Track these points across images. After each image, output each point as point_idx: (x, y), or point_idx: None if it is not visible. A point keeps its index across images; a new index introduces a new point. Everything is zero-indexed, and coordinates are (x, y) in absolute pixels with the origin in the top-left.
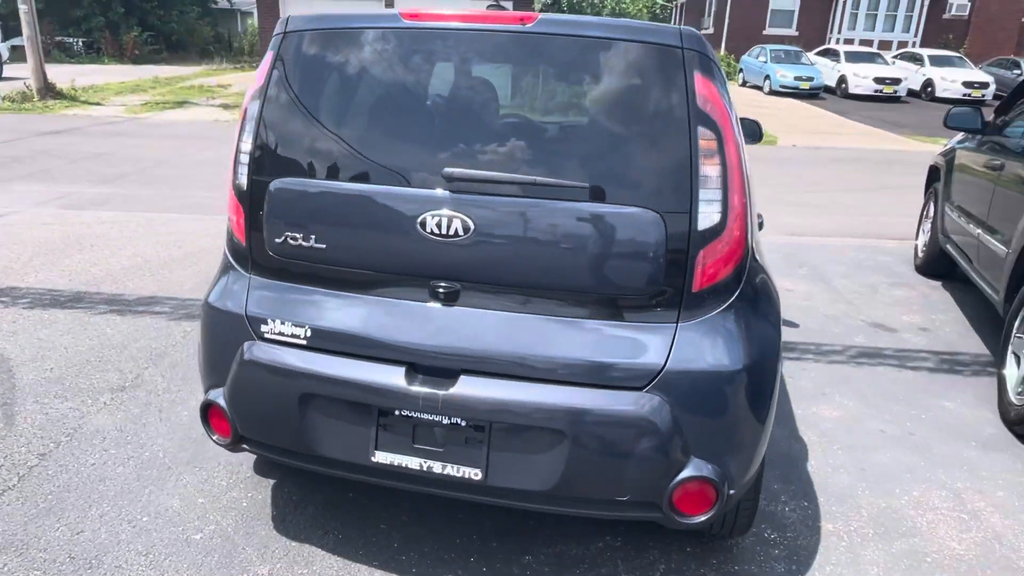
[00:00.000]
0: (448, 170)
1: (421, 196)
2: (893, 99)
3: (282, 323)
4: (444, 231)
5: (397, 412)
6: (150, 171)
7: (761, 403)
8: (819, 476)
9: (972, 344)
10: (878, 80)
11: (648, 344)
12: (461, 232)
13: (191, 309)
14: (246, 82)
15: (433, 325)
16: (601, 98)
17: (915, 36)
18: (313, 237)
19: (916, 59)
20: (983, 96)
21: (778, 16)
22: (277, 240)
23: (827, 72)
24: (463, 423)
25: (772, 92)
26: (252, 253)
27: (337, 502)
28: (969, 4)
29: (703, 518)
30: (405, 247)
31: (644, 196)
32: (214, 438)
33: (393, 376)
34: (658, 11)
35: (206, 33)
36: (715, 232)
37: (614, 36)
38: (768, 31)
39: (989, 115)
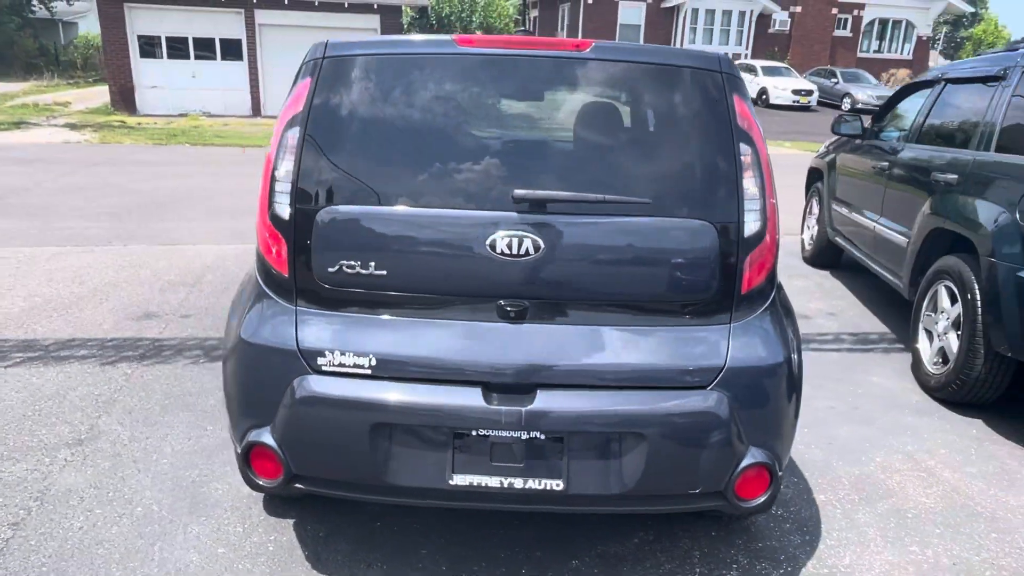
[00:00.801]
0: (519, 192)
1: (490, 218)
2: None
3: (342, 354)
4: (514, 251)
5: (474, 432)
6: (6, 200)
7: (796, 391)
8: (797, 454)
9: (873, 324)
10: None
11: (709, 345)
12: (531, 251)
13: (122, 350)
14: (87, 99)
15: (505, 343)
16: (654, 118)
17: (746, 48)
18: (372, 264)
19: (751, 69)
20: (809, 102)
21: (627, 30)
22: (330, 269)
23: None
24: (542, 436)
25: None
26: (297, 284)
27: (367, 534)
28: (789, 20)
29: (761, 501)
30: (474, 268)
31: (698, 208)
32: (261, 482)
33: (470, 397)
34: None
35: (29, 46)
36: (758, 238)
37: (662, 62)
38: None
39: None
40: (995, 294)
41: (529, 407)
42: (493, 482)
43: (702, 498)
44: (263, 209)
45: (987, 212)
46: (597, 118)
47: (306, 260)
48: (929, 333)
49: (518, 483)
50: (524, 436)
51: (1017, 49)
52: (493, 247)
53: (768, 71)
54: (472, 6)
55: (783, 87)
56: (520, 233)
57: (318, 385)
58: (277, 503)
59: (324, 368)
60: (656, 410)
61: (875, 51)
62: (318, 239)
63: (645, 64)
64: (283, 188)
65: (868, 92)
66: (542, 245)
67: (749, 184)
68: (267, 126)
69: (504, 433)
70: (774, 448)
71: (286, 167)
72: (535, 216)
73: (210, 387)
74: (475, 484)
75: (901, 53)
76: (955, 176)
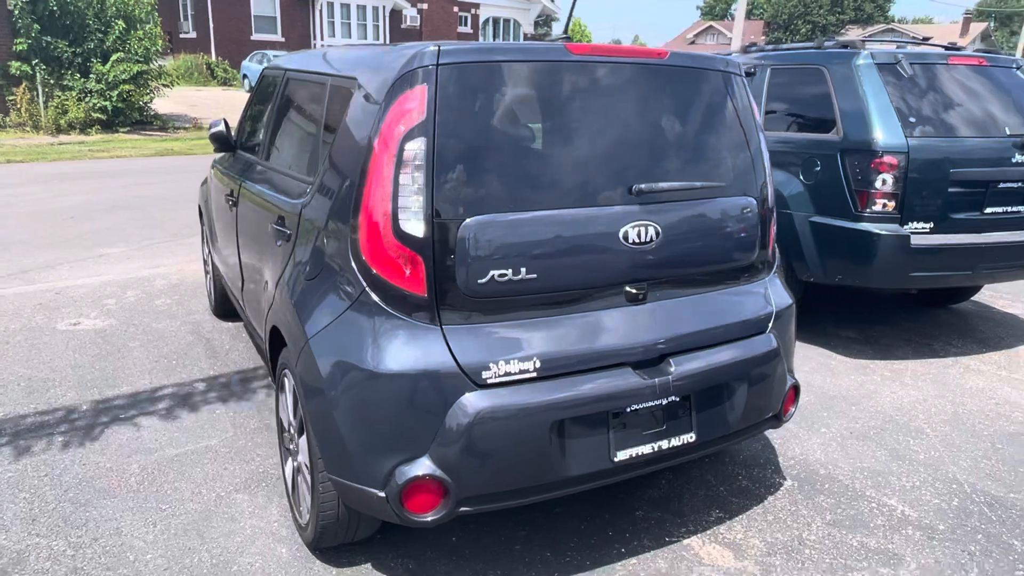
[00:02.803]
0: (641, 185)
1: (619, 212)
2: None
3: (507, 362)
4: (641, 239)
5: (628, 409)
6: None
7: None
8: None
9: None
10: None
11: (762, 297)
12: (654, 237)
13: None
14: None
15: (638, 323)
16: (713, 114)
17: (385, 43)
18: (524, 269)
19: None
20: None
21: (262, 22)
22: (480, 281)
23: None
24: (677, 399)
25: None
26: (439, 300)
27: (454, 550)
28: (419, 16)
29: (793, 413)
30: (609, 259)
31: (745, 187)
32: (422, 518)
33: (626, 377)
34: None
35: None
36: (773, 208)
37: (716, 68)
38: (255, 37)
39: None
40: (795, 238)
41: (672, 374)
42: (646, 449)
43: (767, 422)
44: (379, 229)
45: (776, 177)
46: (678, 115)
47: (450, 275)
48: None
49: (664, 444)
50: (664, 402)
51: (749, 51)
52: (625, 238)
53: None
54: None
55: None
56: (646, 222)
57: (491, 399)
58: (332, 553)
59: (490, 381)
60: (749, 355)
61: None
62: (464, 252)
63: (706, 69)
64: (412, 203)
65: None
66: (661, 231)
67: (765, 165)
68: None
69: (649, 403)
70: (794, 371)
71: (411, 180)
72: (653, 206)
73: (111, 465)
74: (634, 456)
75: None
76: None
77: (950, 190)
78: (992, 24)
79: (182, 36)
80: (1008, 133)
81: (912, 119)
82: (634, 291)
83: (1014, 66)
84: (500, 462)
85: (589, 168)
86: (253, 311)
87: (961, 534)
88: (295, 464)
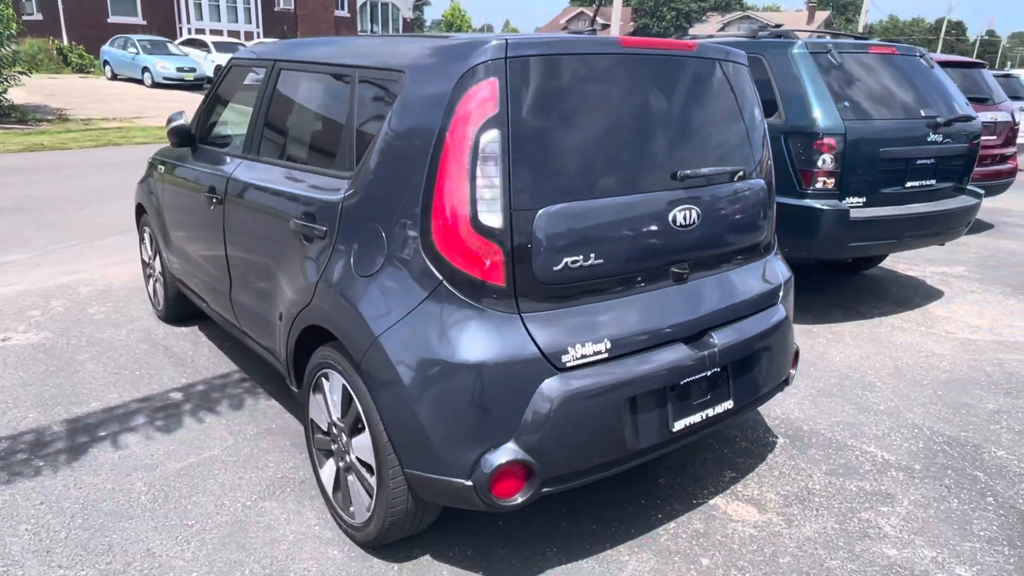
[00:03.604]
0: (686, 171)
1: (668, 196)
2: None
3: (582, 345)
4: (687, 222)
5: (682, 382)
6: None
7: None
8: None
9: None
10: None
11: (773, 271)
12: (695, 220)
13: None
14: None
15: (685, 300)
16: (732, 101)
17: (257, 27)
18: (593, 255)
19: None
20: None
21: (120, 4)
22: (555, 268)
23: (203, 62)
24: (718, 369)
25: (156, 84)
26: (517, 289)
27: (505, 534)
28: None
29: (794, 375)
30: (661, 242)
31: (757, 171)
32: (508, 502)
33: (682, 352)
34: None
35: None
36: (774, 188)
37: (729, 58)
38: (113, 19)
39: None
40: None
41: (717, 347)
42: (696, 418)
43: (781, 385)
44: (456, 222)
45: None
46: (706, 102)
47: (527, 264)
48: None
49: (710, 412)
50: (709, 373)
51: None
52: (674, 221)
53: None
54: None
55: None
56: (690, 206)
57: (572, 381)
58: (388, 549)
59: (569, 364)
60: (769, 325)
61: (373, 31)
62: (540, 240)
63: (723, 60)
64: (490, 195)
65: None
66: (701, 214)
67: (768, 149)
68: None
69: (699, 375)
70: (794, 335)
71: (488, 172)
72: (695, 191)
73: (112, 485)
74: (688, 425)
75: (392, 32)
76: None
77: (879, 168)
78: (831, 12)
79: (26, 18)
80: (922, 115)
81: (846, 103)
82: (678, 271)
83: (917, 54)
84: (582, 441)
85: (641, 155)
86: (250, 314)
87: (935, 471)
88: (342, 464)
